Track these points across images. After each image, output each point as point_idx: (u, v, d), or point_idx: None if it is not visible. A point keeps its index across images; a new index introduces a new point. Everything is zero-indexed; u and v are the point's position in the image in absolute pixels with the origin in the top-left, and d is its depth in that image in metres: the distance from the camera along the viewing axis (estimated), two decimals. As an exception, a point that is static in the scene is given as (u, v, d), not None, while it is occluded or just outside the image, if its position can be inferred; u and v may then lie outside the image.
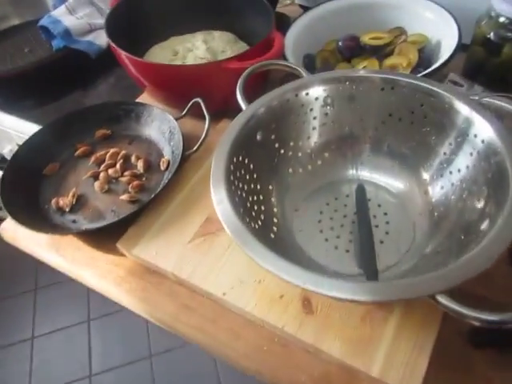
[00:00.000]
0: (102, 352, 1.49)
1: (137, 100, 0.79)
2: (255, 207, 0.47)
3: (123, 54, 0.66)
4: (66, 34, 0.98)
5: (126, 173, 0.64)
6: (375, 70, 0.63)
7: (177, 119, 0.66)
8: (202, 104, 0.62)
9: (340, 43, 0.68)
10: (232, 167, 0.45)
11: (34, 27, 1.01)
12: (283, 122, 0.52)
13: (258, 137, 0.49)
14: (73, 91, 0.97)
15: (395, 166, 0.54)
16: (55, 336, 1.53)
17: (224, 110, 0.67)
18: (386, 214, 0.52)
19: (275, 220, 0.49)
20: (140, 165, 0.65)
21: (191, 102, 0.65)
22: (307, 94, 0.52)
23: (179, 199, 0.58)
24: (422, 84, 0.49)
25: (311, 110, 0.53)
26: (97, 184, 0.63)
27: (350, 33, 0.69)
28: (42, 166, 0.67)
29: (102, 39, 1.01)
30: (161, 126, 0.68)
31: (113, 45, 0.67)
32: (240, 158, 0.47)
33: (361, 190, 0.53)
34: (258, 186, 0.49)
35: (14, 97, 0.97)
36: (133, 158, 0.66)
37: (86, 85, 0.99)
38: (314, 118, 0.54)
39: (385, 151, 0.54)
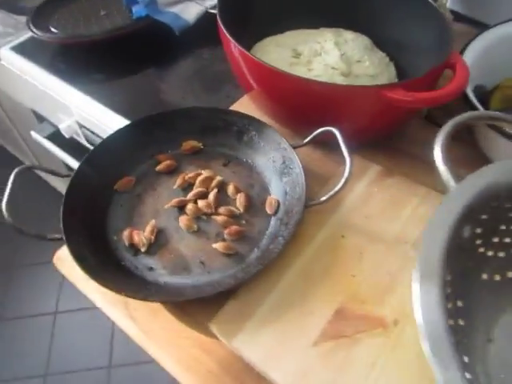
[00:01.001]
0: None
1: (232, 106, 0.63)
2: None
3: (237, 49, 0.49)
4: (152, 1, 0.82)
5: (222, 209, 0.49)
6: None
7: (295, 148, 0.50)
8: (340, 138, 0.45)
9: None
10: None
11: (116, -13, 0.85)
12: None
13: (466, 233, 0.32)
14: (147, 70, 0.82)
15: None
16: (79, 315, 1.43)
17: (356, 145, 0.50)
18: None
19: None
20: (240, 201, 0.49)
21: (320, 130, 0.48)
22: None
23: (296, 270, 0.43)
24: None
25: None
26: (183, 220, 0.48)
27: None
28: (114, 177, 0.52)
29: (189, 13, 0.84)
30: (270, 152, 0.52)
31: (225, 33, 0.50)
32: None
33: None
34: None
35: (80, 67, 0.82)
36: (230, 189, 0.50)
37: (163, 65, 0.84)
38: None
39: None
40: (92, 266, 0.43)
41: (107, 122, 0.72)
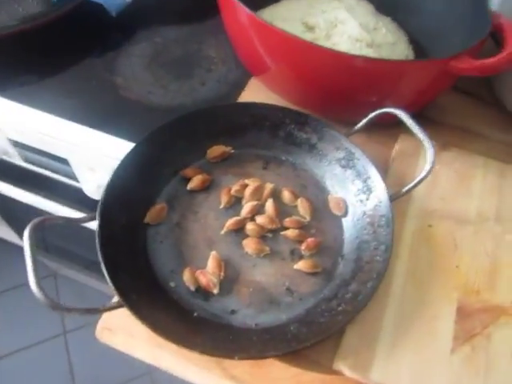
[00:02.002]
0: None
1: (243, 94, 0.54)
2: None
3: (257, 22, 0.41)
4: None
5: (287, 221, 0.42)
6: None
7: (347, 136, 0.44)
8: (410, 121, 0.41)
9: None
10: None
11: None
12: None
13: None
14: (90, 63, 0.68)
15: None
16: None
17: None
18: None
19: None
20: (303, 207, 0.43)
21: (378, 113, 0.43)
22: None
23: (400, 275, 0.39)
24: None
25: None
26: (249, 243, 0.40)
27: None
28: (141, 210, 0.42)
29: (125, -12, 0.70)
30: (319, 145, 0.46)
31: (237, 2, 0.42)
32: None
33: None
34: None
35: (1, 69, 0.65)
36: (285, 196, 0.44)
37: (109, 55, 0.69)
38: None
39: None
40: (168, 329, 0.34)
41: (57, 132, 0.58)
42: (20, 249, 0.36)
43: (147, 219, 0.42)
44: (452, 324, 0.36)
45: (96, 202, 0.39)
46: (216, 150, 0.46)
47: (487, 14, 0.44)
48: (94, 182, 0.66)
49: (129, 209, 0.41)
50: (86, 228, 0.75)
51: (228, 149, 0.46)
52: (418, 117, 0.41)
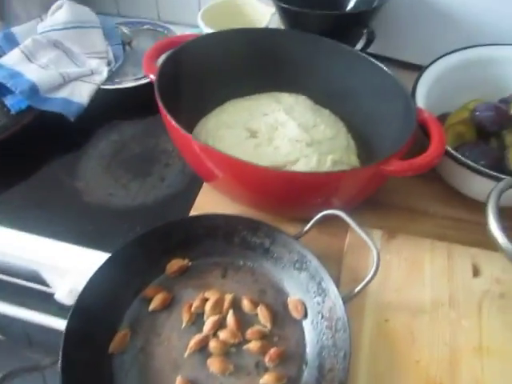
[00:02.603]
0: None
1: (197, 200, 0.56)
2: None
3: (199, 146, 0.44)
4: (33, 91, 0.69)
5: (249, 333, 0.43)
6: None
7: (297, 238, 0.46)
8: (352, 222, 0.43)
9: (477, 113, 0.54)
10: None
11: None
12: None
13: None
14: (49, 170, 0.70)
15: None
16: None
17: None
18: None
19: None
20: (263, 315, 0.44)
21: (321, 215, 0.45)
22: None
23: (364, 375, 0.40)
24: None
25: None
26: (213, 363, 0.41)
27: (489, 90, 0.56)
28: (105, 340, 0.42)
29: (81, 95, 0.74)
30: (272, 249, 0.48)
31: (173, 123, 0.45)
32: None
33: None
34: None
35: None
36: (245, 305, 0.45)
37: (68, 159, 0.72)
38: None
39: None
40: None
41: (22, 249, 0.58)
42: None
43: (111, 349, 0.42)
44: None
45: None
46: (174, 265, 0.47)
47: (413, 111, 0.48)
48: (65, 287, 0.66)
49: (92, 341, 0.41)
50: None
51: (186, 262, 0.48)
52: (368, 203, 0.44)
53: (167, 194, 0.66)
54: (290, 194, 0.46)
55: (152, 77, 0.51)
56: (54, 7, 0.75)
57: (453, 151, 0.48)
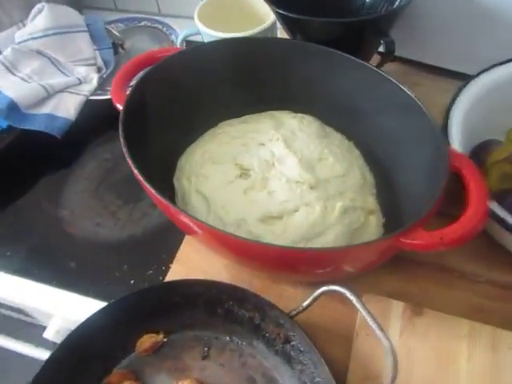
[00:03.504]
0: None
1: (179, 253, 0.47)
2: None
3: (185, 217, 0.34)
4: (11, 109, 0.62)
5: None
6: None
7: (292, 316, 0.37)
8: (359, 303, 0.33)
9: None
10: None
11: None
12: None
13: None
14: (30, 195, 0.64)
15: None
16: None
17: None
18: None
19: None
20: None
21: (319, 292, 0.35)
22: None
23: None
24: None
25: None
26: None
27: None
28: None
29: (67, 108, 0.66)
30: (262, 326, 0.38)
31: (157, 196, 0.35)
32: None
33: None
34: None
35: None
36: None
37: (53, 181, 0.65)
38: None
39: None
40: None
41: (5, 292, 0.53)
42: None
43: None
44: None
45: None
46: (146, 342, 0.39)
47: (445, 156, 0.36)
48: (52, 327, 0.60)
49: None
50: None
51: (160, 337, 0.40)
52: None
53: (159, 223, 0.59)
54: (286, 268, 0.36)
55: (119, 107, 0.42)
56: (34, 11, 0.66)
57: (498, 212, 0.36)
